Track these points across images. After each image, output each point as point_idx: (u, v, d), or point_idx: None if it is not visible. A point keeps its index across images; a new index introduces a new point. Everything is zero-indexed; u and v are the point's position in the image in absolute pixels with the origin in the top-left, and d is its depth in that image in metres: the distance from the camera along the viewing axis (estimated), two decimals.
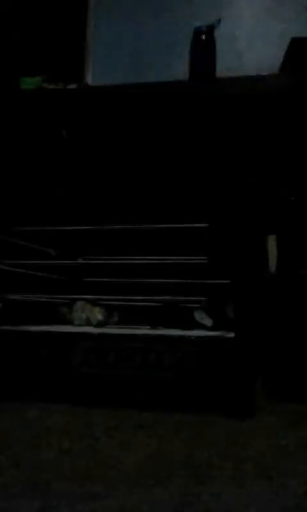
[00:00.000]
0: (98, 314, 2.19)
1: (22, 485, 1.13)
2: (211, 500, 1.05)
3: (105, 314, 2.21)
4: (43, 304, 2.27)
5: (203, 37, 2.29)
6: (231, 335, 1.76)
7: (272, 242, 1.96)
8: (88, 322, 2.19)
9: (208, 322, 2.04)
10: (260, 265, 1.92)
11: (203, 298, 2.16)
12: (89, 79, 2.80)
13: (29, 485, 1.12)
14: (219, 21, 2.32)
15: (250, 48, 2.67)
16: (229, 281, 1.90)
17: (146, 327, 2.08)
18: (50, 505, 1.03)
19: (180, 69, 2.33)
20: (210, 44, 2.29)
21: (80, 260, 2.52)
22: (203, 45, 2.30)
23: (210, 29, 2.29)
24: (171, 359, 1.74)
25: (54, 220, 2.24)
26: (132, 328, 2.09)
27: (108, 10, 2.83)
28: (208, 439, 1.44)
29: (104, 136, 2.23)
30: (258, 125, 2.06)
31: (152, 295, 2.25)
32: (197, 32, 2.30)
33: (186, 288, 2.25)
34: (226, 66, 2.32)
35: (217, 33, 2.32)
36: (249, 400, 1.67)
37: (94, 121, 2.24)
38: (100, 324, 2.17)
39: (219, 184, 2.06)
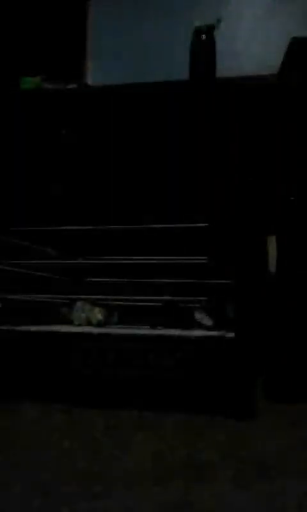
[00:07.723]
0: (98, 314, 2.19)
1: (22, 485, 1.12)
2: (211, 500, 1.05)
3: (105, 314, 2.21)
4: (43, 304, 2.27)
5: (203, 37, 2.29)
6: (231, 335, 1.76)
7: (272, 243, 1.96)
8: (88, 322, 2.19)
9: (208, 322, 2.04)
10: (260, 266, 1.92)
11: (203, 298, 2.16)
12: (89, 79, 2.80)
13: (29, 485, 1.12)
14: (219, 21, 2.32)
15: (250, 48, 2.66)
16: (229, 281, 1.90)
17: (146, 327, 2.09)
18: (50, 505, 1.03)
19: (180, 69, 2.33)
20: (210, 44, 2.29)
21: (80, 260, 2.52)
22: (203, 45, 2.30)
23: (210, 29, 2.29)
24: (171, 359, 1.74)
25: (53, 220, 2.24)
26: (132, 327, 2.09)
27: (108, 10, 2.83)
28: (208, 439, 1.44)
29: (104, 136, 2.23)
30: (257, 125, 2.06)
31: (152, 295, 2.25)
32: (197, 32, 2.30)
33: (186, 288, 2.25)
34: (225, 66, 2.32)
35: (217, 33, 2.32)
36: (249, 400, 1.67)
37: (94, 121, 2.24)
38: (100, 324, 2.17)
39: (219, 184, 2.06)
